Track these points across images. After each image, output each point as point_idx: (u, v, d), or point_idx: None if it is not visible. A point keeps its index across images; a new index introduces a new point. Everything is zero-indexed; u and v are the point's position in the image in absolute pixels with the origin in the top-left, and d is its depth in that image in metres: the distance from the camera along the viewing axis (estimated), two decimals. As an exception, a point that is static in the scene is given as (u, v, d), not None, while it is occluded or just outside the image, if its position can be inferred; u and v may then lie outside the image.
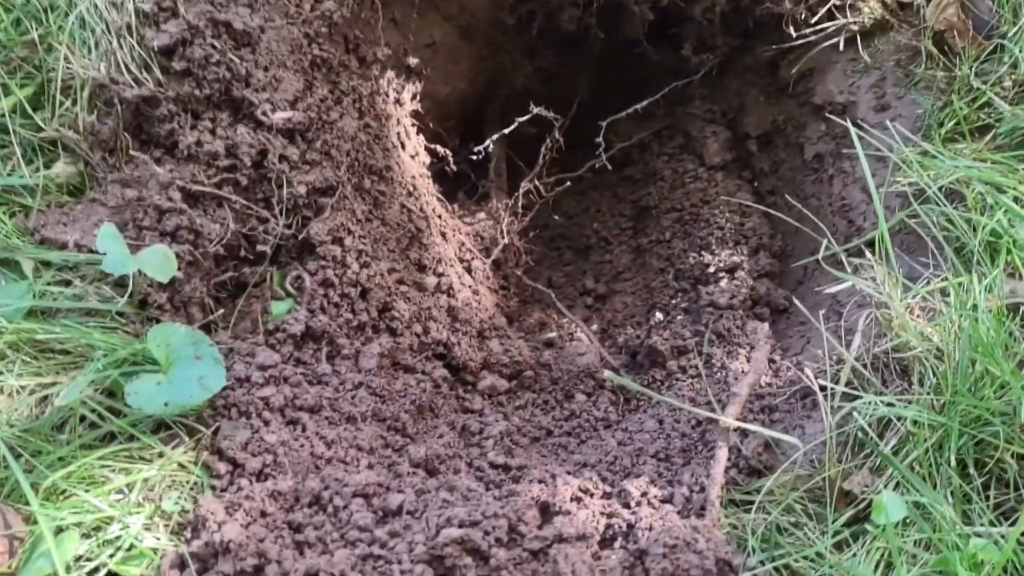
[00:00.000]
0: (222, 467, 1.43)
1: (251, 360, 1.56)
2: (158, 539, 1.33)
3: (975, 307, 1.46)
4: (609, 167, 2.17)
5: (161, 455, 1.42)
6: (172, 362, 1.45)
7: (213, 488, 1.42)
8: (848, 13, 1.82)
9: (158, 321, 1.54)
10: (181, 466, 1.44)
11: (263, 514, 1.36)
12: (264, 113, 1.68)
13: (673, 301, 2.03)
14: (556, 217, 2.37)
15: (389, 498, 1.40)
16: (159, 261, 1.51)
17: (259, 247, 1.68)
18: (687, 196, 2.15)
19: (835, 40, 1.88)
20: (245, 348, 1.59)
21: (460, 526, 1.32)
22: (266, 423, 1.49)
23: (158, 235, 1.58)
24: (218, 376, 1.45)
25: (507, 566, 1.29)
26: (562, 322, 2.13)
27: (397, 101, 1.93)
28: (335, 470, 1.44)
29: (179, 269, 1.59)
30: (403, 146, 1.96)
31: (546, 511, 1.40)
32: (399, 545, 1.31)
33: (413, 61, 1.96)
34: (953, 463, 1.39)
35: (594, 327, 2.12)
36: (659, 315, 2.01)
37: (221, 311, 1.66)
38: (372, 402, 1.62)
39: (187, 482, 1.42)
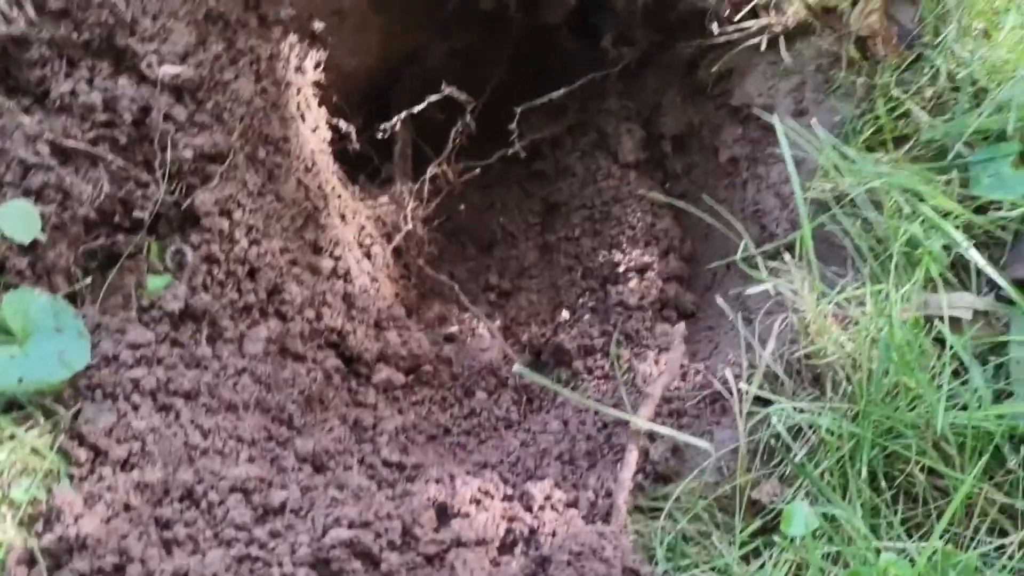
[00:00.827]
0: (82, 454, 1.27)
1: (121, 337, 1.41)
2: (4, 532, 1.18)
3: (891, 316, 1.43)
4: (521, 158, 2.08)
5: (12, 437, 1.25)
6: (29, 334, 1.29)
7: (71, 477, 1.26)
8: (772, 12, 1.78)
9: (15, 288, 1.36)
10: (35, 451, 1.27)
11: (127, 507, 1.21)
12: (149, 66, 1.52)
13: (580, 300, 1.96)
14: (462, 208, 2.27)
15: (271, 494, 1.27)
16: (19, 219, 1.34)
17: (136, 214, 1.52)
18: (598, 194, 2.08)
19: (757, 40, 1.84)
20: (115, 324, 1.43)
21: (350, 526, 1.20)
22: (135, 408, 1.34)
23: (20, 192, 1.41)
24: (81, 352, 1.30)
25: (399, 571, 1.18)
26: (464, 317, 2.03)
27: (299, 68, 1.79)
28: (211, 462, 1.30)
29: (43, 231, 1.42)
30: (303, 118, 1.83)
31: (443, 513, 1.30)
32: (280, 546, 1.19)
33: (318, 26, 1.83)
34: (864, 475, 1.36)
35: (497, 324, 2.03)
36: (566, 313, 1.93)
37: (89, 281, 1.49)
38: (256, 390, 1.48)
39: (41, 469, 1.26)
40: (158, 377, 1.39)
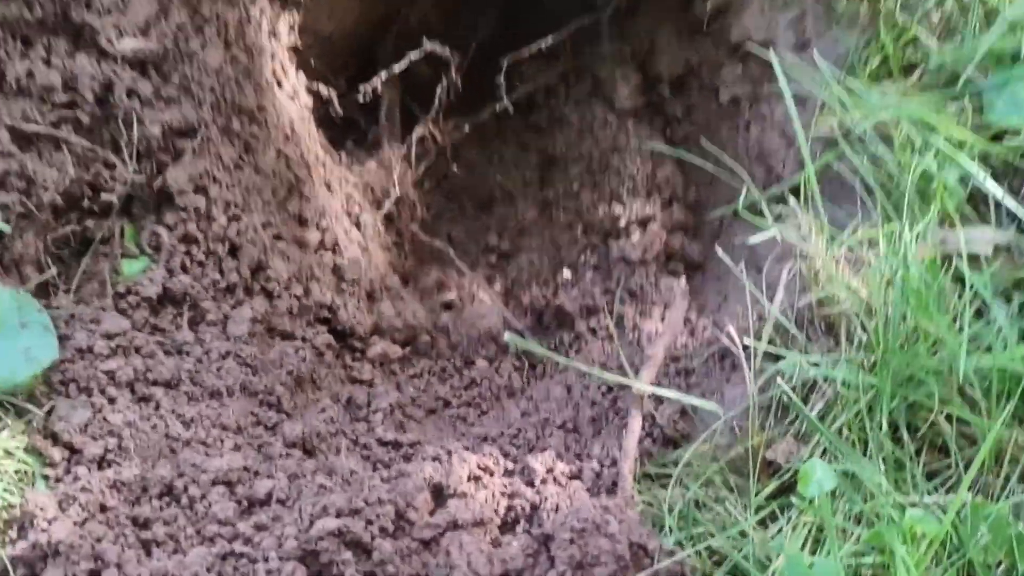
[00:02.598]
0: (56, 453, 1.22)
1: (95, 327, 1.35)
2: (-25, 542, 1.12)
3: (906, 257, 1.34)
4: (511, 111, 1.99)
5: (-18, 441, 1.20)
6: (-8, 332, 1.23)
7: (46, 478, 1.21)
8: (769, -61, 1.67)
9: (-20, 283, 1.30)
10: (7, 453, 1.22)
11: (103, 508, 1.16)
12: (109, 40, 1.44)
13: (582, 257, 1.87)
14: (456, 168, 2.18)
15: (256, 485, 1.21)
16: (-23, 212, 1.28)
17: (105, 196, 1.45)
18: (596, 144, 1.98)
19: (753, -30, 1.73)
20: (89, 314, 1.37)
21: (338, 515, 1.14)
22: (111, 401, 1.28)
23: (-19, 182, 1.34)
24: (48, 347, 1.24)
25: (393, 559, 1.12)
26: (463, 282, 1.95)
27: (272, 33, 1.71)
28: (193, 454, 1.24)
29: (9, 222, 1.36)
30: (280, 85, 1.74)
31: (439, 494, 1.24)
32: (266, 540, 1.13)
33: (289, -13, 1.74)
34: (885, 427, 1.28)
35: (497, 287, 1.95)
36: (567, 273, 1.85)
37: (61, 270, 1.43)
38: (242, 374, 1.42)
39: (13, 472, 1.20)
40: (135, 367, 1.33)
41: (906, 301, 1.30)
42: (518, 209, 2.13)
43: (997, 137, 1.49)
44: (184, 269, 1.49)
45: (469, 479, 1.28)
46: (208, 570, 1.08)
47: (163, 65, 1.50)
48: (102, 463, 1.21)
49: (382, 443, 1.39)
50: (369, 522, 1.14)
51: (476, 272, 1.96)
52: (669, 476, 1.32)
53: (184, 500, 1.18)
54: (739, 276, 1.44)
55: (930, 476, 1.29)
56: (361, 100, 1.84)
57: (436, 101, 1.86)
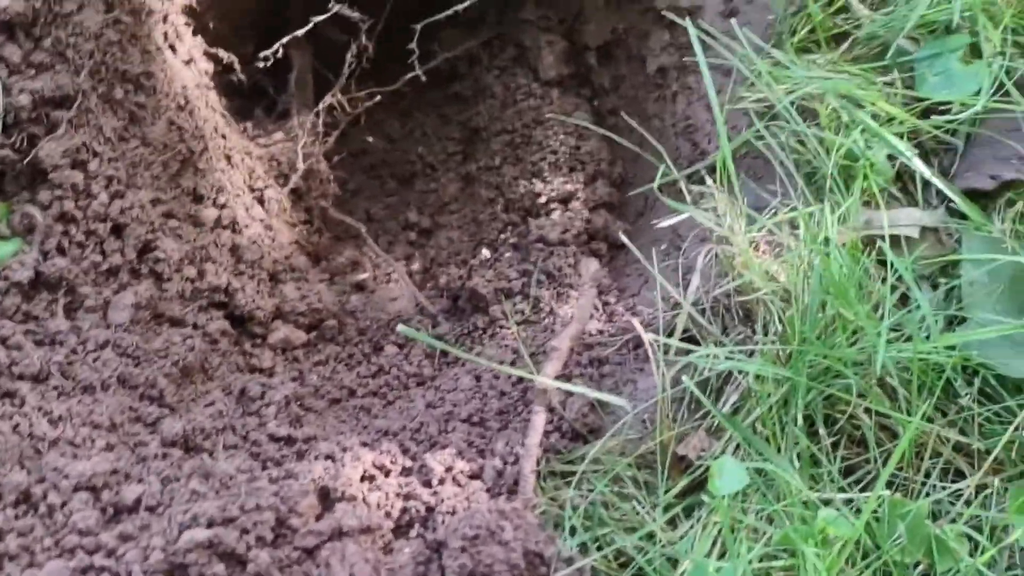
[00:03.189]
0: (-99, 458, 1.10)
1: (-46, 317, 1.23)
2: None
3: (827, 241, 1.27)
4: (432, 81, 1.87)
5: None
6: None
7: None
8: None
9: None
10: None
11: (-50, 520, 1.05)
12: (-32, 1, 1.31)
13: (502, 236, 1.78)
14: (375, 141, 2.07)
15: (124, 490, 1.11)
16: None
17: (-32, 172, 1.33)
18: (519, 116, 1.88)
19: (681, -67, 1.63)
20: (-51, 302, 1.25)
21: (209, 525, 1.05)
22: (-33, 398, 1.17)
23: None
24: None
25: (270, 572, 1.04)
26: (378, 261, 1.85)
27: (162, -6, 1.58)
28: (57, 456, 1.14)
29: None
30: (173, 49, 1.61)
31: (326, 497, 1.15)
32: (130, 552, 1.04)
33: (179, -56, 1.61)
34: (800, 421, 1.21)
35: (416, 266, 1.86)
36: (486, 252, 1.76)
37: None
38: (120, 365, 1.32)
39: None
40: (-1, 360, 1.22)
41: (825, 288, 1.23)
42: (439, 183, 2.03)
43: (928, 113, 1.43)
44: (61, 251, 1.38)
45: (362, 479, 1.20)
46: (63, 587, 0.98)
47: (33, 28, 1.37)
48: (-49, 469, 1.10)
49: (273, 439, 1.30)
50: (244, 531, 1.06)
51: (393, 250, 1.86)
52: (575, 473, 1.25)
53: (42, 508, 1.08)
54: (646, 264, 1.36)
55: (848, 472, 1.23)
56: (263, 66, 1.72)
57: (345, 67, 1.75)
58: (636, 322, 1.31)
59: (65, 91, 1.39)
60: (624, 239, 1.43)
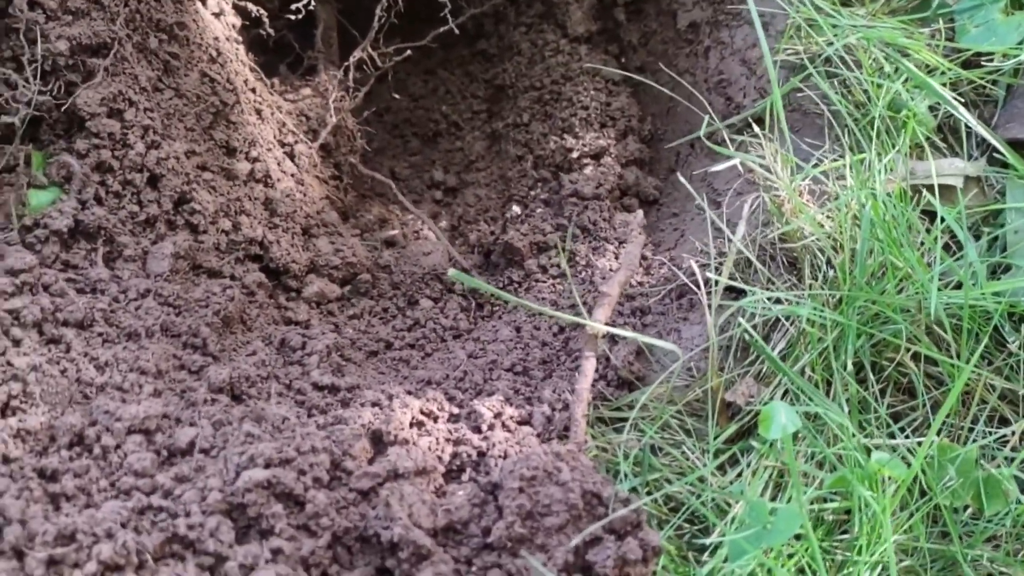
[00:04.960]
0: (-47, 402, 1.09)
1: (-3, 263, 1.22)
2: None
3: (874, 189, 1.26)
4: (458, 38, 1.86)
5: None
6: None
7: (-59, 430, 1.09)
8: None
9: None
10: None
11: (5, 460, 1.04)
12: (5, -57, 1.29)
13: (532, 192, 1.77)
14: (399, 99, 2.05)
15: (177, 433, 1.10)
16: None
17: (6, 119, 1.31)
18: (547, 72, 1.87)
19: None
20: (-10, 249, 1.24)
21: (267, 465, 1.04)
22: (15, 343, 1.16)
23: None
24: (-60, 284, 1.11)
25: (328, 512, 1.03)
26: (406, 218, 1.84)
27: (193, -57, 1.56)
28: (107, 400, 1.13)
29: None
30: (203, 1, 1.59)
31: (379, 441, 1.15)
32: (188, 492, 1.03)
33: None
34: (850, 367, 1.21)
35: (443, 224, 1.85)
36: (516, 208, 1.75)
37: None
38: (163, 314, 1.31)
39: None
40: (43, 306, 1.21)
41: (874, 235, 1.23)
42: (465, 142, 2.02)
43: (969, 63, 1.42)
44: (98, 201, 1.36)
45: (411, 425, 1.19)
46: (123, 525, 0.97)
47: (68, -27, 1.35)
48: (5, 410, 1.09)
49: (317, 388, 1.29)
50: (302, 472, 1.05)
51: (419, 209, 1.85)
52: (624, 420, 1.25)
53: (96, 450, 1.07)
54: (702, 204, 1.35)
55: (895, 418, 1.24)
56: (290, 20, 1.70)
57: (375, 22, 1.73)
58: (694, 264, 1.31)
59: (102, 38, 1.38)
60: (681, 178, 1.42)
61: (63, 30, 1.35)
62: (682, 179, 1.44)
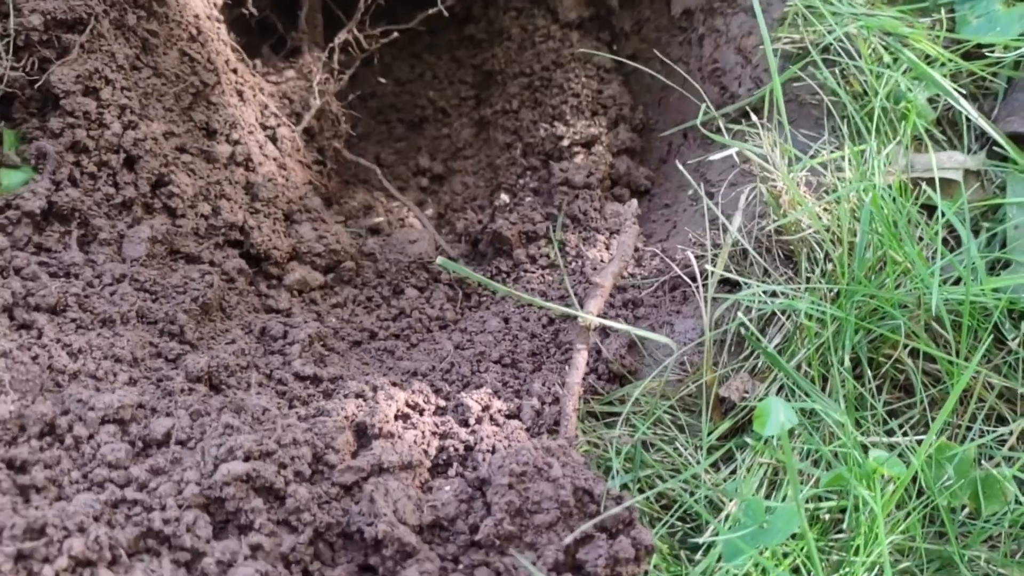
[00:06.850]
0: (-84, 388, 1.04)
1: (-35, 245, 1.17)
2: None
3: (874, 181, 1.23)
4: (446, 22, 1.82)
5: None
6: None
7: (-96, 417, 1.04)
8: None
9: None
10: None
11: (-29, 451, 0.99)
12: (-24, -89, 1.24)
13: (521, 180, 1.73)
14: (385, 84, 2.01)
15: (153, 424, 1.06)
16: None
17: (-24, 95, 1.26)
18: (537, 58, 1.83)
19: None
20: (-42, 229, 1.19)
21: (247, 458, 1.00)
22: (-17, 328, 1.11)
23: None
24: (-97, 265, 1.06)
25: (309, 507, 0.99)
26: (391, 205, 1.80)
27: (174, -83, 1.50)
28: (80, 389, 1.08)
29: None
30: (184, -23, 1.55)
31: (363, 434, 1.11)
32: (163, 485, 0.99)
33: None
34: (847, 363, 1.19)
35: (429, 212, 1.81)
36: (504, 197, 1.71)
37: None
38: (139, 299, 1.26)
39: None
40: (14, 290, 1.16)
41: (873, 228, 1.20)
42: (452, 128, 1.98)
43: (970, 55, 1.40)
44: (73, 182, 1.31)
45: (396, 418, 1.16)
46: (95, 519, 0.93)
47: (44, -56, 1.30)
48: (-30, 399, 1.04)
49: (299, 378, 1.25)
50: (282, 465, 1.01)
51: (406, 195, 1.81)
52: (615, 415, 1.22)
53: (68, 440, 1.02)
54: (699, 194, 1.32)
55: (892, 415, 1.21)
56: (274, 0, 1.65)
57: (361, 3, 1.68)
58: (690, 254, 1.28)
59: (77, 13, 1.33)
60: (679, 165, 1.38)
61: (37, 4, 1.30)
62: (680, 166, 1.40)
